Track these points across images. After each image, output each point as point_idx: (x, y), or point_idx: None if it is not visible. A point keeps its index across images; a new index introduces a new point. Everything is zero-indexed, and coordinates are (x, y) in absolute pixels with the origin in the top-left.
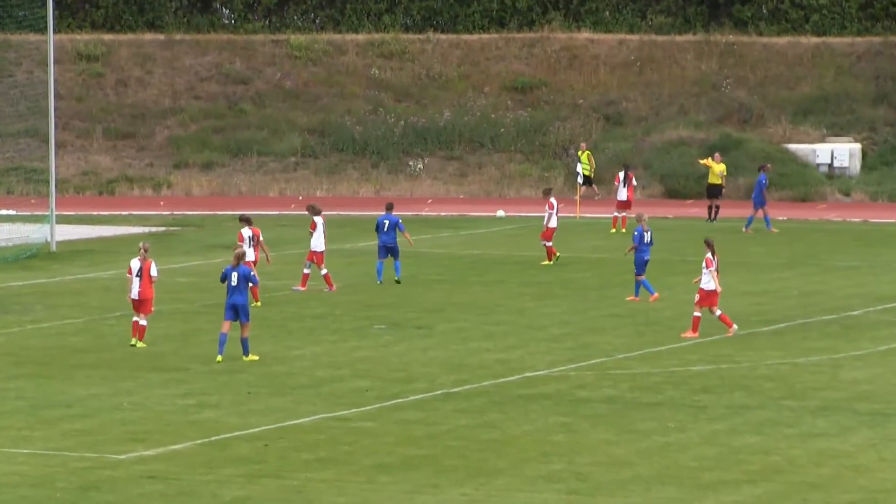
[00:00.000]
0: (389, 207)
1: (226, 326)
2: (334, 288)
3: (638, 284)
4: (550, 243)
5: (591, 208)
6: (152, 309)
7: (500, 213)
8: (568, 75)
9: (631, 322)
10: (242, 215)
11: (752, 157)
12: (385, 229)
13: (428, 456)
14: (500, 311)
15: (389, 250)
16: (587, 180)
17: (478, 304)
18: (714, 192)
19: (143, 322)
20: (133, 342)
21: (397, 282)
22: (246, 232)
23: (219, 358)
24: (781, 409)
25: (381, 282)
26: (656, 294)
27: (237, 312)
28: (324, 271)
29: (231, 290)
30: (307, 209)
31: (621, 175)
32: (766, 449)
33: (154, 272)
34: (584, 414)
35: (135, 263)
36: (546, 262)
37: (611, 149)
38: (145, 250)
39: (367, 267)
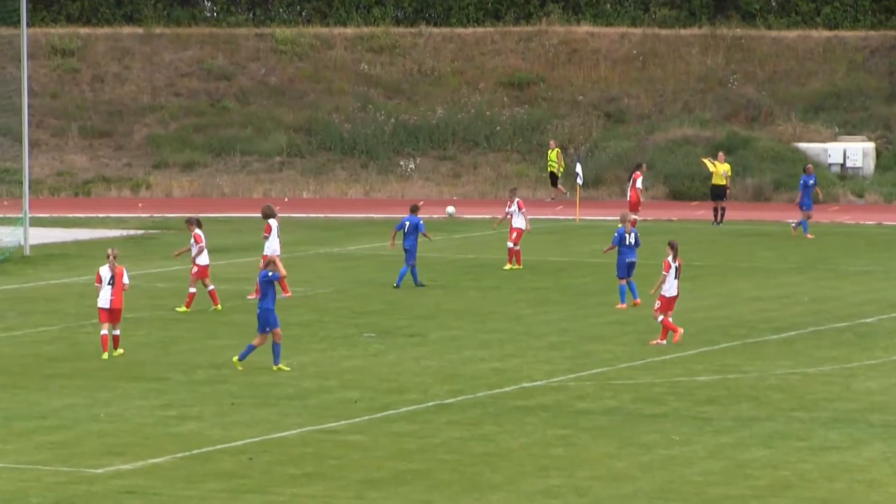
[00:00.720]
0: (413, 209)
1: (263, 339)
2: (289, 294)
3: (622, 289)
4: (518, 247)
5: (591, 211)
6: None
7: (450, 209)
8: (567, 71)
9: (633, 330)
10: (191, 217)
11: (761, 157)
12: (406, 231)
13: (420, 470)
14: (496, 318)
15: (406, 253)
16: (554, 180)
17: (472, 310)
18: (718, 193)
19: (116, 331)
20: (105, 356)
21: (395, 287)
22: (201, 233)
23: (236, 360)
24: (791, 421)
25: (417, 284)
26: (625, 305)
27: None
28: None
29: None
30: (262, 212)
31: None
32: (775, 463)
33: (126, 280)
34: (584, 426)
35: (104, 271)
36: (510, 266)
37: (612, 148)
38: (114, 257)
39: (356, 272)
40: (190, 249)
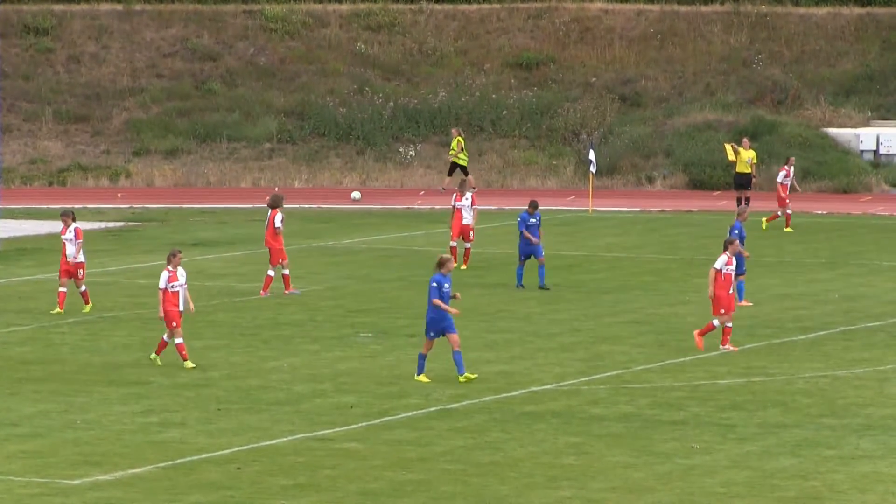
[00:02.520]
0: (532, 205)
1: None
2: (276, 291)
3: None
4: (469, 245)
5: (605, 201)
6: (179, 323)
7: (356, 195)
8: (579, 50)
9: (651, 330)
10: (67, 210)
11: (788, 143)
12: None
13: (421, 481)
14: (503, 317)
15: (531, 252)
16: (454, 169)
17: (477, 309)
18: (743, 182)
19: (178, 339)
20: (153, 357)
21: (541, 288)
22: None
23: (417, 378)
24: (821, 429)
25: (519, 286)
26: (743, 301)
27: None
28: (272, 272)
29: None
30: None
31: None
32: (804, 473)
33: (161, 283)
34: (598, 433)
35: (164, 275)
36: (465, 267)
37: (627, 133)
38: (174, 255)
39: (352, 267)
40: (65, 245)
